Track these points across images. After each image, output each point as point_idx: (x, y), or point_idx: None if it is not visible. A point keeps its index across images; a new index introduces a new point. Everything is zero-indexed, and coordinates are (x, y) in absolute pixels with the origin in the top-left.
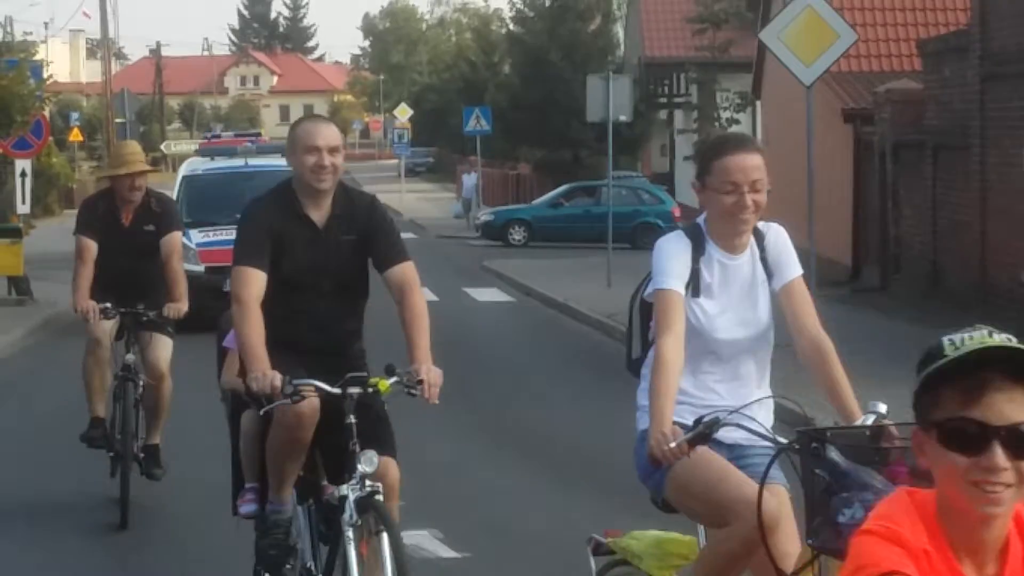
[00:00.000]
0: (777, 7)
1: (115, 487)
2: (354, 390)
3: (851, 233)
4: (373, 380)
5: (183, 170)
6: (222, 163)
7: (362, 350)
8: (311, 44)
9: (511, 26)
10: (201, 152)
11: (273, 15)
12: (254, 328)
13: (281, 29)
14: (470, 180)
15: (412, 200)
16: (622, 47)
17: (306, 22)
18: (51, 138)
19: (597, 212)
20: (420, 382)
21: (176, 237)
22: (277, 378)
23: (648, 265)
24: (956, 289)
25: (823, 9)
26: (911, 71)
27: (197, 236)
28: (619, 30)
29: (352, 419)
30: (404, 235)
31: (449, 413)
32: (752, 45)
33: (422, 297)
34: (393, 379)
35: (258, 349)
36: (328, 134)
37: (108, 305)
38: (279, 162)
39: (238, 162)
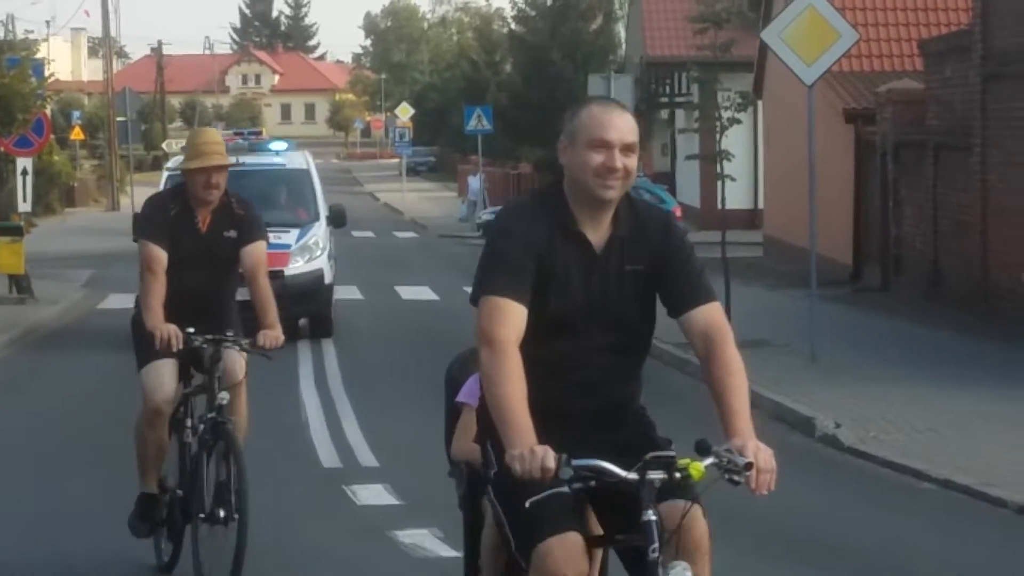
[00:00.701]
0: (779, 7)
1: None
2: (656, 475)
3: (852, 233)
4: (683, 462)
5: (169, 168)
6: None
7: (648, 419)
8: (312, 43)
9: (513, 25)
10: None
11: (275, 14)
12: (514, 382)
13: (283, 28)
14: (476, 182)
15: (413, 199)
16: (623, 46)
17: (307, 21)
18: (52, 136)
19: None
20: (749, 465)
21: (262, 248)
22: (550, 457)
23: None
24: (957, 289)
25: (825, 9)
26: (912, 71)
27: None
28: (620, 29)
29: (652, 516)
30: (404, 234)
31: None
32: (754, 45)
33: (736, 351)
34: (709, 460)
35: (520, 414)
36: (623, 126)
37: (192, 331)
38: (275, 160)
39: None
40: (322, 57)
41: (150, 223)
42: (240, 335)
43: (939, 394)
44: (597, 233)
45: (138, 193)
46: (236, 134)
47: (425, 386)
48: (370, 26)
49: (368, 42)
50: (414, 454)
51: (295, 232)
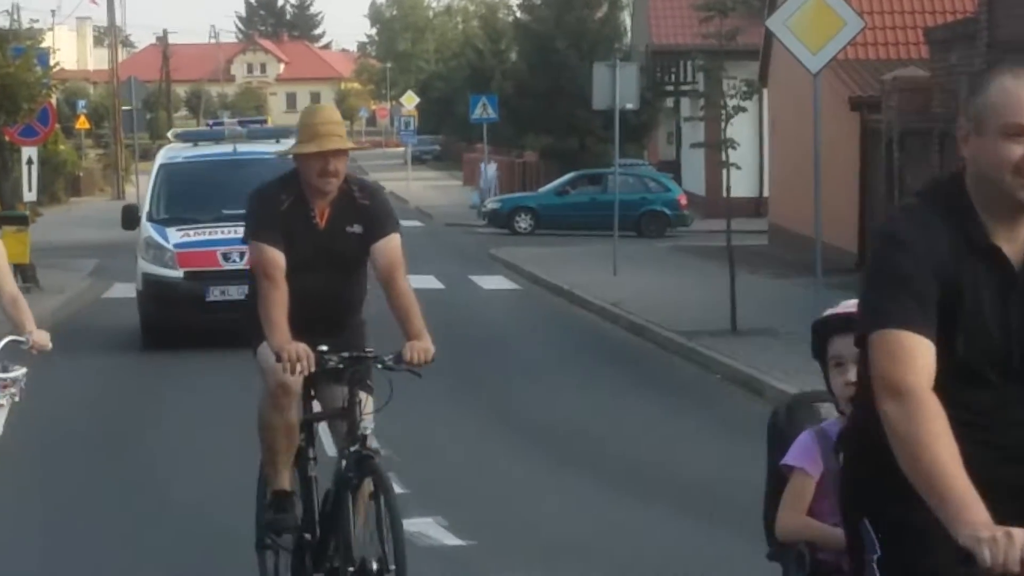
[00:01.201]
0: None
1: (125, 470)
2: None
3: (857, 220)
4: None
5: (160, 157)
6: (206, 150)
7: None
8: (318, 32)
9: (518, 14)
10: (182, 136)
11: (280, 3)
12: (942, 441)
13: (288, 17)
14: (490, 170)
15: (419, 188)
16: (629, 35)
17: (313, 10)
18: (58, 126)
19: (603, 200)
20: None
21: (396, 242)
22: None
23: (652, 254)
24: None
25: None
26: (918, 59)
27: (175, 235)
28: (626, 18)
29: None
30: (410, 223)
31: (454, 400)
32: (759, 33)
33: None
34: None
35: (960, 481)
36: None
37: (325, 349)
38: (273, 148)
39: (225, 148)
40: (327, 46)
41: (262, 221)
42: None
43: None
44: (1013, 247)
45: (143, 183)
46: (239, 123)
47: (431, 375)
48: (375, 15)
49: (373, 31)
50: (419, 443)
51: None
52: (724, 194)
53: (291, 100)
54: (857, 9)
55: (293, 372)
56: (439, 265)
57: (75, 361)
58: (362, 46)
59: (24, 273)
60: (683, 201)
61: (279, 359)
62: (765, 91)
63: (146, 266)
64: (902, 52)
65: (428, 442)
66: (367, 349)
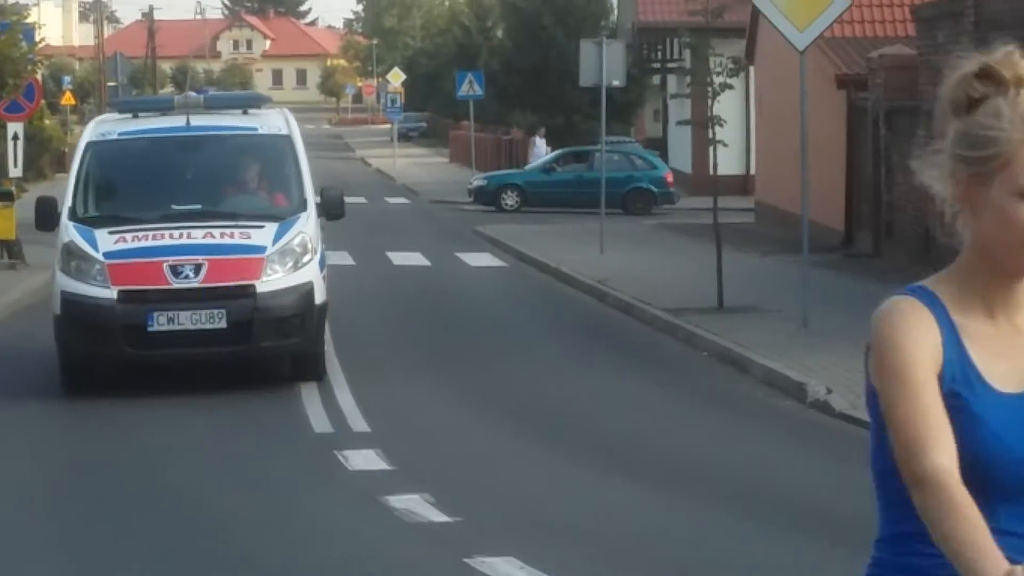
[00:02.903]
0: None
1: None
2: None
3: (844, 199)
4: None
5: (88, 133)
6: (150, 123)
7: None
8: (304, 8)
9: None
10: (118, 106)
11: None
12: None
13: None
14: (541, 144)
15: (404, 165)
16: (615, 12)
17: None
18: (43, 102)
19: (590, 177)
20: None
21: None
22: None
23: (639, 231)
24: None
25: None
26: (905, 36)
27: (106, 241)
28: None
29: None
30: (396, 200)
31: (440, 377)
32: (746, 10)
33: None
34: None
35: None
36: None
37: None
38: (242, 123)
39: (175, 122)
40: (313, 22)
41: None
42: None
43: None
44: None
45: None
46: (196, 91)
47: (417, 351)
48: None
49: (360, 7)
50: (406, 419)
51: (272, 228)
52: (711, 172)
53: (277, 77)
54: None
55: None
56: (425, 242)
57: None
58: (348, 23)
59: (10, 249)
60: (670, 179)
61: None
62: (752, 68)
63: (66, 282)
64: (888, 30)
65: (415, 419)
66: None
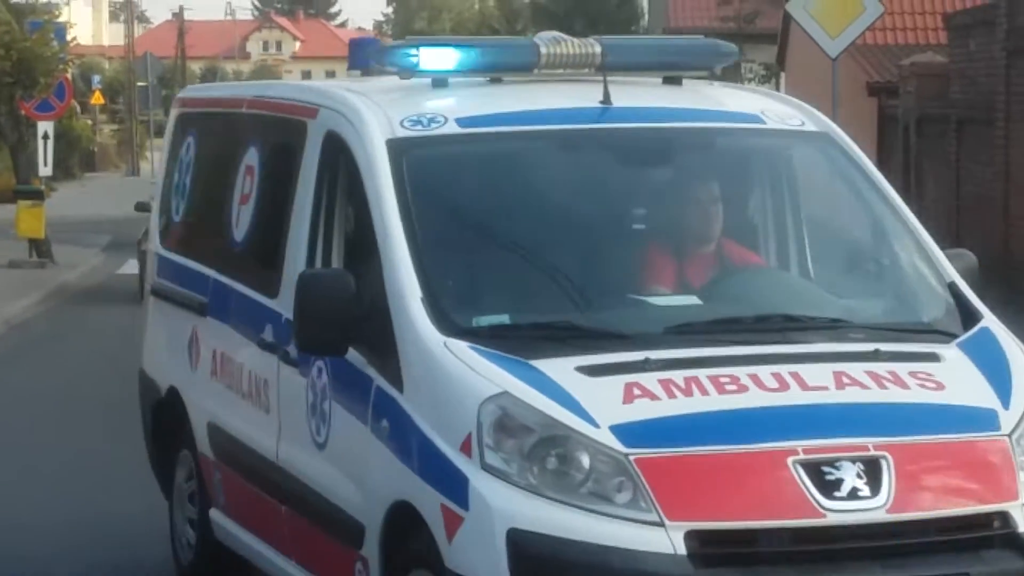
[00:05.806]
0: None
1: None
2: None
3: None
4: None
5: (370, 124)
6: (502, 98)
7: None
8: (334, 10)
9: None
10: (391, 57)
11: None
12: None
13: None
14: None
15: None
16: (646, 16)
17: None
18: (73, 101)
19: None
20: None
21: None
22: None
23: None
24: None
25: None
26: (936, 44)
27: (598, 393)
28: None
29: None
30: None
31: None
32: (777, 16)
33: None
34: None
35: None
36: None
37: None
38: (706, 105)
39: (571, 99)
40: (343, 24)
41: None
42: None
43: None
44: None
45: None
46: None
47: None
48: None
49: (390, 9)
50: None
51: (955, 353)
52: None
53: (306, 78)
54: None
55: None
56: None
57: (90, 335)
58: (378, 25)
59: (39, 248)
60: None
61: None
62: (783, 75)
63: (526, 504)
64: (920, 37)
65: None
66: None
